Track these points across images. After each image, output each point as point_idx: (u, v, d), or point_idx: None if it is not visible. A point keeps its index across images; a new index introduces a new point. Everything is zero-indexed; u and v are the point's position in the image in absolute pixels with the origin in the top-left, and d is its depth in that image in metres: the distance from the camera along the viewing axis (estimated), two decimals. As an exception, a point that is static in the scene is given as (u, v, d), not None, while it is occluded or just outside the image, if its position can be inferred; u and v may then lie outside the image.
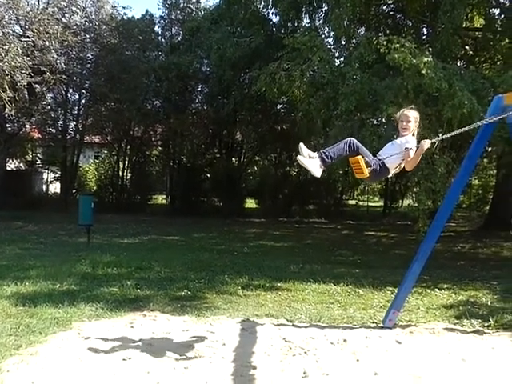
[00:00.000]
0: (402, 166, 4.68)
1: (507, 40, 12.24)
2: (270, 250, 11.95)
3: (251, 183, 25.84)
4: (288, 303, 6.82)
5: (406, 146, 4.52)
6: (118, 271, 8.51)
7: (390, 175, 4.77)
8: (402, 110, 4.89)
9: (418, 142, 4.61)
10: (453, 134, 4.96)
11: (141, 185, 23.26)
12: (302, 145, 4.44)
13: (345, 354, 4.85)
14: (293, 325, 5.85)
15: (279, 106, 20.93)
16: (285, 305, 6.73)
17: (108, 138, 23.83)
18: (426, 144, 4.54)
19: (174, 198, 23.66)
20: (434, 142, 4.88)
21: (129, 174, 24.03)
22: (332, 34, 12.91)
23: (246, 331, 5.51)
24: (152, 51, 21.16)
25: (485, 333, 5.69)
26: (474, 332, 5.71)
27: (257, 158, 25.51)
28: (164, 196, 27.00)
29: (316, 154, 4.43)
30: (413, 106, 4.98)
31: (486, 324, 5.93)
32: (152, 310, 6.21)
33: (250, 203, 25.05)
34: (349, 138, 4.52)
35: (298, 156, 4.41)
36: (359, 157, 4.40)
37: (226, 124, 21.05)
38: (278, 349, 4.95)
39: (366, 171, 4.40)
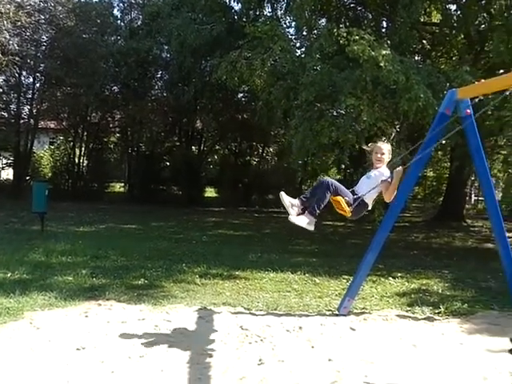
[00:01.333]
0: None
1: (462, 36, 12.57)
2: (229, 239, 11.96)
3: (211, 172, 25.74)
4: (245, 292, 6.85)
5: (382, 179, 4.61)
6: (73, 260, 8.33)
7: (369, 208, 4.86)
8: (376, 143, 5.02)
9: (391, 171, 4.73)
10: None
11: (98, 172, 22.77)
12: (282, 194, 4.68)
13: (300, 341, 4.92)
14: (250, 313, 5.88)
15: (240, 95, 20.90)
16: (242, 293, 6.76)
17: (64, 123, 23.17)
18: (400, 171, 4.64)
19: (133, 185, 23.32)
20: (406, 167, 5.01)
21: (85, 161, 23.44)
22: (293, 24, 12.96)
23: (203, 319, 5.51)
24: (110, 35, 20.60)
25: (435, 319, 5.88)
26: (425, 319, 5.90)
27: (217, 147, 25.39)
28: (122, 184, 26.58)
29: (297, 201, 4.70)
30: (385, 139, 5.12)
31: (436, 311, 6.13)
32: (107, 299, 6.10)
33: (210, 192, 24.98)
34: (326, 181, 4.65)
35: (289, 217, 4.76)
36: (339, 197, 4.54)
37: (186, 112, 20.84)
38: (234, 337, 4.98)
39: (348, 210, 4.58)
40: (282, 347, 4.71)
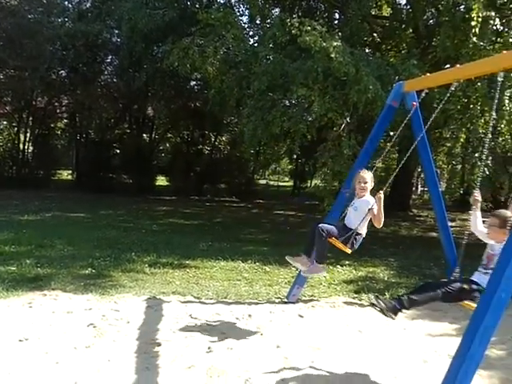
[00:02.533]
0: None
1: (411, 30, 12.88)
2: (180, 228, 11.87)
3: (163, 160, 25.40)
4: (196, 280, 6.84)
5: (368, 208, 4.70)
6: (17, 249, 8.03)
7: (364, 236, 4.97)
8: (358, 172, 5.11)
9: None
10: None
11: (44, 159, 21.91)
12: (289, 259, 5.03)
13: (249, 329, 4.97)
14: (200, 302, 5.88)
15: (193, 83, 20.64)
16: (192, 282, 6.73)
17: (7, 107, 22.15)
18: (380, 197, 4.73)
19: (81, 173, 22.68)
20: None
21: (31, 148, 22.59)
22: (247, 12, 12.89)
23: (152, 309, 5.45)
24: (57, 17, 19.74)
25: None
26: (370, 305, 6.06)
27: (169, 135, 25.07)
28: (70, 171, 25.81)
29: (302, 258, 4.92)
30: (365, 170, 5.22)
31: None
32: (53, 289, 5.94)
33: (161, 181, 24.66)
34: (316, 228, 4.77)
35: (303, 274, 5.23)
36: (333, 240, 4.70)
37: (137, 98, 20.41)
38: (183, 325, 4.96)
39: (347, 249, 4.69)
40: (231, 335, 4.74)
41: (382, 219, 4.75)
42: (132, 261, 7.68)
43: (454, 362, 2.78)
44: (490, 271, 3.87)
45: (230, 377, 3.84)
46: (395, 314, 3.89)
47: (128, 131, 23.20)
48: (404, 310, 3.92)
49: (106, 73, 21.78)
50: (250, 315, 5.35)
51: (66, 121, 23.95)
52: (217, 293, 6.24)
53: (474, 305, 3.65)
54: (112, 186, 21.09)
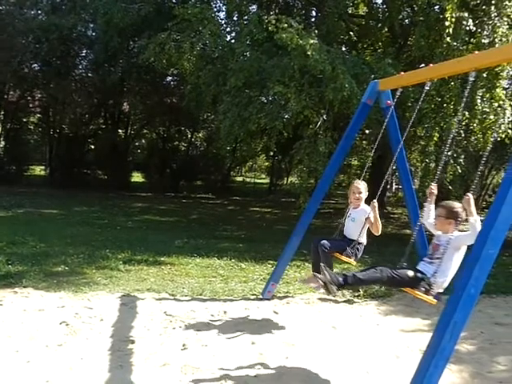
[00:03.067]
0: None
1: (387, 29, 13.02)
2: (155, 225, 11.79)
3: (138, 156, 25.17)
4: (171, 277, 6.79)
5: (365, 217, 4.74)
6: (-13, 246, 7.87)
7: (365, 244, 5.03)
8: (352, 182, 5.16)
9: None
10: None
11: (16, 154, 21.45)
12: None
13: (224, 326, 4.96)
14: (174, 299, 5.84)
15: (169, 78, 20.50)
16: (167, 279, 6.69)
17: (-22, 101, 21.67)
18: (375, 205, 4.75)
19: (54, 169, 22.29)
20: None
21: (2, 143, 22.11)
22: (224, 8, 12.84)
23: (126, 306, 5.40)
24: (30, 9, 19.37)
25: (354, 302, 6.13)
26: (344, 301, 6.13)
27: (145, 131, 24.84)
28: (43, 167, 25.35)
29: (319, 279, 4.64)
30: (358, 180, 5.26)
31: (356, 294, 6.38)
32: (24, 287, 5.82)
33: (137, 177, 24.44)
34: (316, 245, 4.89)
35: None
36: (337, 255, 4.78)
37: (113, 93, 20.14)
38: (158, 323, 4.93)
39: (352, 261, 4.74)
40: (206, 332, 4.72)
41: (380, 226, 4.86)
42: (106, 258, 7.58)
43: (425, 357, 2.83)
44: (434, 261, 3.98)
45: (205, 374, 3.83)
46: (337, 289, 3.92)
47: (103, 127, 22.91)
48: (347, 287, 3.94)
49: (80, 67, 21.40)
50: (225, 312, 5.35)
51: (38, 115, 23.48)
52: (192, 290, 6.20)
53: (417, 292, 3.77)
54: (86, 182, 20.81)
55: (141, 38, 13.40)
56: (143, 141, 25.87)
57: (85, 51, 20.64)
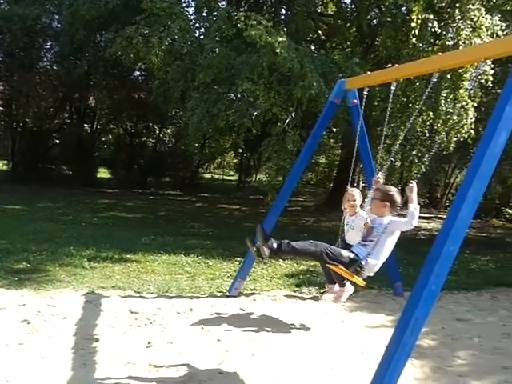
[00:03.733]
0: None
1: (355, 29, 13.16)
2: (122, 222, 11.62)
3: (105, 152, 24.75)
4: (137, 275, 6.72)
5: (364, 222, 4.75)
6: None
7: None
8: (346, 190, 5.19)
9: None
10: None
11: (-24, 148, 20.88)
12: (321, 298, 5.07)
13: (190, 323, 4.94)
14: (140, 296, 5.79)
15: (137, 73, 20.22)
16: (133, 276, 6.62)
17: None
18: (366, 211, 4.77)
19: (17, 164, 21.64)
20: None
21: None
22: (193, 3, 12.74)
23: (90, 304, 5.32)
24: (-9, -2, 18.83)
25: (320, 299, 6.20)
26: (311, 298, 6.20)
27: (111, 126, 24.41)
28: (5, 162, 24.63)
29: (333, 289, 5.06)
30: (350, 188, 5.29)
31: (321, 291, 6.45)
32: (-16, 285, 5.68)
33: (103, 173, 24.02)
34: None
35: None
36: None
37: (78, 87, 19.67)
38: (123, 320, 4.87)
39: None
40: (171, 329, 4.70)
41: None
42: (70, 255, 7.43)
43: (387, 352, 2.88)
44: (368, 243, 4.06)
45: (170, 371, 3.81)
46: (269, 253, 3.87)
47: (68, 121, 22.38)
48: (280, 254, 4.03)
49: (45, 59, 20.82)
50: (191, 309, 5.33)
51: (1, 108, 22.78)
52: (158, 287, 6.16)
53: (347, 271, 3.85)
54: (51, 177, 20.30)
55: (108, 32, 13.18)
56: (110, 136, 25.40)
57: (49, 43, 20.07)
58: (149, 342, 4.32)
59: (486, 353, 4.56)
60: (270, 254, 3.88)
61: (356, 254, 4.02)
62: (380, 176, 4.52)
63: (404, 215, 4.11)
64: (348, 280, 4.81)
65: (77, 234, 9.23)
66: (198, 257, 8.00)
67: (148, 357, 4.02)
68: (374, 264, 4.03)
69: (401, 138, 8.40)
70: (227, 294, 6.03)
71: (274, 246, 3.88)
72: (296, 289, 6.55)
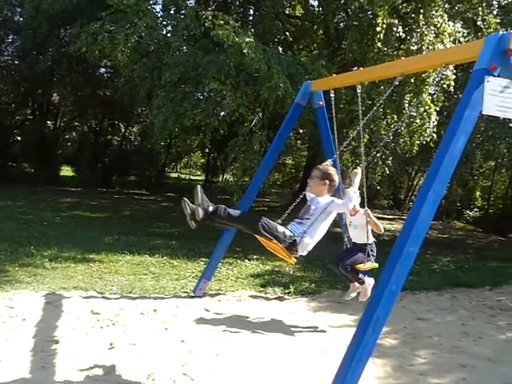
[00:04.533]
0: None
1: (322, 31, 13.29)
2: (85, 221, 11.41)
3: (68, 150, 24.26)
4: (99, 275, 6.61)
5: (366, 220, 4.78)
6: None
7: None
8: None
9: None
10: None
11: None
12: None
13: (154, 324, 4.89)
14: (103, 297, 5.69)
15: (102, 70, 19.89)
16: (96, 277, 6.51)
17: None
18: (369, 211, 4.78)
19: (-24, 161, 21.04)
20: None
21: None
22: (161, 1, 12.61)
23: (51, 305, 5.20)
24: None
25: (285, 299, 6.24)
26: (276, 298, 6.23)
27: (75, 124, 23.94)
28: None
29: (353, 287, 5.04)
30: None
31: (286, 291, 6.50)
32: None
33: (67, 171, 23.55)
34: (338, 265, 4.94)
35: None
36: (360, 267, 4.71)
37: (41, 83, 19.23)
38: (84, 322, 4.78)
39: (373, 264, 4.61)
40: (134, 330, 4.64)
41: (381, 225, 4.92)
42: (31, 255, 7.24)
43: (349, 351, 2.92)
44: (304, 221, 4.05)
45: (132, 373, 3.75)
46: (204, 215, 3.72)
47: (30, 117, 21.84)
48: (213, 218, 3.76)
49: (6, 53, 20.27)
50: (155, 310, 5.27)
51: (-41, 103, 22.06)
52: (121, 288, 6.07)
53: (280, 246, 3.81)
54: (11, 175, 19.72)
55: (72, 27, 12.91)
56: (74, 134, 24.91)
57: (11, 37, 19.58)
58: (111, 344, 4.25)
59: (446, 351, 4.67)
60: (204, 216, 3.70)
61: (291, 231, 3.97)
62: (328, 163, 4.57)
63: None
64: (365, 275, 4.97)
65: (38, 233, 9.01)
66: (162, 257, 7.93)
67: (110, 358, 3.95)
68: (308, 243, 4.00)
69: (365, 140, 8.53)
70: (192, 294, 6.00)
71: (210, 209, 3.74)
72: (261, 289, 6.57)
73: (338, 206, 4.13)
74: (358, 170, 4.29)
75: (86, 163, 22.18)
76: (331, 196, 4.22)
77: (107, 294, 5.82)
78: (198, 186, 3.85)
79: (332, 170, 4.31)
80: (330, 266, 8.23)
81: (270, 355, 4.28)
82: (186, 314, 5.24)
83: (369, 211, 4.81)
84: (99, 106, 21.13)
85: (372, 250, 4.95)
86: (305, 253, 4.07)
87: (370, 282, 5.04)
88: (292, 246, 3.91)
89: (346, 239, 5.22)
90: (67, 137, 24.45)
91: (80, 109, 22.05)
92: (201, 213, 3.69)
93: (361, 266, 4.86)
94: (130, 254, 7.88)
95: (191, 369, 3.90)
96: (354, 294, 5.25)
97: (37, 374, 3.61)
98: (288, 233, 3.92)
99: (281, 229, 3.91)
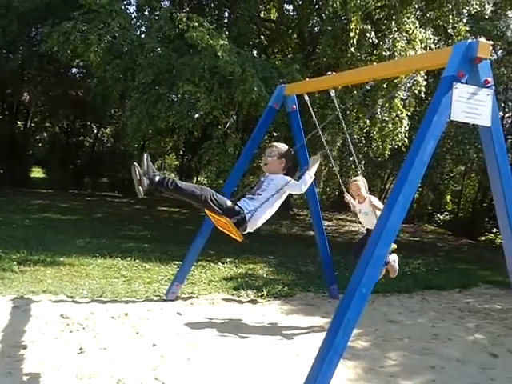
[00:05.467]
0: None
1: (296, 36, 13.38)
2: (56, 224, 11.19)
3: (39, 151, 23.81)
4: (70, 279, 6.50)
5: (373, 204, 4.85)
6: None
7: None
8: (351, 182, 5.33)
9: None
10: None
11: None
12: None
13: (125, 328, 4.83)
14: (73, 301, 5.60)
15: (74, 70, 19.60)
16: (66, 280, 6.40)
17: None
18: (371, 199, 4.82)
19: None
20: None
21: None
22: (135, 1, 12.51)
23: (19, 309, 5.08)
24: None
25: (258, 302, 6.24)
26: (249, 302, 6.22)
27: (47, 124, 23.52)
28: None
29: None
30: (353, 179, 5.30)
31: (260, 294, 6.50)
32: None
33: (37, 172, 23.09)
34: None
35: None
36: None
37: (11, 82, 18.78)
38: (53, 326, 4.69)
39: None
40: (105, 334, 4.57)
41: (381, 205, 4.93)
42: (-2, 258, 7.08)
43: (320, 353, 2.93)
44: (256, 197, 4.08)
45: (102, 378, 3.70)
46: (149, 185, 3.64)
47: (0, 117, 21.38)
48: (160, 189, 3.69)
49: (-27, 51, 19.82)
50: (126, 314, 5.21)
51: None
52: (92, 291, 5.98)
53: (230, 220, 3.78)
54: (-21, 176, 19.32)
55: (44, 26, 12.69)
56: (45, 134, 24.47)
57: (-21, 35, 19.12)
58: (80, 348, 4.18)
59: (416, 353, 4.73)
60: (150, 186, 3.62)
61: (241, 207, 3.95)
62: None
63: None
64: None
65: (6, 235, 8.78)
66: (135, 260, 7.84)
67: (79, 363, 3.89)
68: (258, 220, 4.02)
69: (338, 143, 8.62)
70: (164, 297, 5.95)
71: (157, 178, 3.65)
72: (234, 292, 6.56)
73: (292, 186, 4.16)
74: (318, 156, 4.39)
75: (57, 164, 21.80)
76: (285, 175, 4.24)
77: (77, 297, 5.73)
78: (145, 154, 3.78)
79: (288, 148, 4.35)
80: (304, 268, 8.39)
81: (242, 358, 4.27)
82: (158, 318, 5.19)
83: (372, 198, 4.92)
84: (71, 107, 20.80)
85: None
86: (252, 230, 4.06)
87: (393, 258, 5.16)
88: (242, 223, 3.90)
89: (359, 227, 5.31)
90: (38, 137, 24.00)
91: (51, 109, 21.67)
92: (146, 182, 3.61)
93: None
94: (102, 257, 7.77)
95: (162, 373, 3.86)
96: (380, 276, 5.32)
97: (3, 380, 3.53)
98: (237, 208, 3.90)
99: (230, 203, 3.89)
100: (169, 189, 3.69)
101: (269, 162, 4.31)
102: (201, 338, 4.70)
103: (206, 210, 3.96)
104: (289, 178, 4.15)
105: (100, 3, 9.94)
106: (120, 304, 5.58)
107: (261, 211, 3.99)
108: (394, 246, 4.88)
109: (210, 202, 3.76)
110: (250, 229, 4.00)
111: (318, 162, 4.44)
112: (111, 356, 4.10)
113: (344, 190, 5.35)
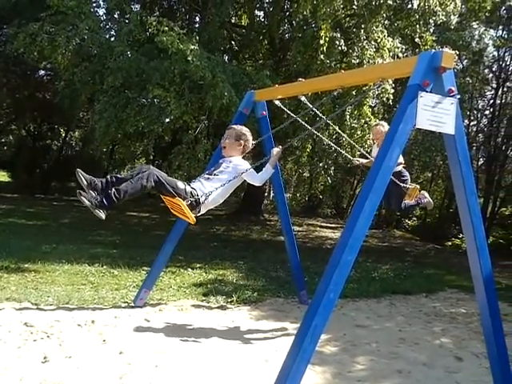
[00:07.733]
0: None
1: (267, 42, 13.46)
2: (20, 229, 10.93)
3: (5, 154, 23.28)
4: (35, 285, 6.34)
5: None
6: None
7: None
8: (372, 127, 5.38)
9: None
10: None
11: None
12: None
13: (91, 336, 4.73)
14: (38, 308, 5.46)
15: (42, 72, 19.27)
16: (31, 287, 6.24)
17: None
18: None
19: None
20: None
21: None
22: (104, 4, 12.39)
23: (-20, 318, 4.94)
24: None
25: (228, 308, 6.21)
26: (218, 307, 6.18)
27: (12, 127, 23.02)
28: None
29: None
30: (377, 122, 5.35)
31: (229, 300, 6.47)
32: None
33: (2, 176, 22.61)
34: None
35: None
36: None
37: (-25, 84, 18.44)
38: (16, 334, 4.56)
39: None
40: (70, 343, 4.47)
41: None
42: (-41, 265, 6.88)
43: (288, 359, 2.93)
44: (211, 177, 4.11)
45: (66, 387, 3.62)
46: (104, 210, 3.81)
47: (-37, 120, 20.87)
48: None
49: None
50: (93, 321, 5.10)
51: None
52: (58, 298, 5.84)
53: (183, 203, 3.75)
54: None
55: (9, 26, 12.43)
56: (10, 137, 23.96)
57: None
58: (45, 357, 4.08)
59: (383, 357, 4.78)
60: (102, 193, 3.78)
61: (194, 189, 3.93)
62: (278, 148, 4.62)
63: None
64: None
65: (-32, 242, 8.56)
66: (102, 266, 7.71)
67: (43, 373, 3.79)
68: (211, 203, 4.04)
69: (308, 150, 8.69)
70: (132, 304, 5.86)
71: (99, 184, 3.78)
72: (203, 298, 6.51)
73: (252, 178, 4.22)
74: (279, 149, 4.43)
75: (23, 168, 21.36)
76: (243, 158, 4.29)
77: (42, 305, 5.59)
78: (78, 169, 3.80)
79: (246, 131, 4.35)
80: (274, 274, 8.40)
81: (211, 365, 4.24)
82: (126, 325, 5.11)
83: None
84: (38, 110, 20.43)
85: (403, 176, 5.15)
86: (204, 211, 4.06)
87: (424, 194, 5.55)
88: (196, 205, 3.89)
89: None
90: (3, 140, 23.49)
91: (17, 111, 21.23)
92: (93, 194, 3.74)
93: (407, 198, 5.11)
94: (68, 264, 7.62)
95: (129, 381, 3.80)
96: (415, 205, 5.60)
97: (-38, 392, 3.42)
98: (189, 189, 3.88)
99: (181, 185, 3.86)
100: (119, 199, 3.76)
101: (227, 145, 4.31)
102: (169, 344, 4.65)
103: (163, 196, 3.93)
104: (249, 166, 4.17)
105: (68, 5, 9.79)
106: (87, 311, 5.47)
107: (216, 194, 3.99)
108: (416, 186, 5.15)
109: (161, 186, 3.74)
110: (203, 210, 4.00)
111: (279, 154, 4.47)
112: (76, 364, 4.01)
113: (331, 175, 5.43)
